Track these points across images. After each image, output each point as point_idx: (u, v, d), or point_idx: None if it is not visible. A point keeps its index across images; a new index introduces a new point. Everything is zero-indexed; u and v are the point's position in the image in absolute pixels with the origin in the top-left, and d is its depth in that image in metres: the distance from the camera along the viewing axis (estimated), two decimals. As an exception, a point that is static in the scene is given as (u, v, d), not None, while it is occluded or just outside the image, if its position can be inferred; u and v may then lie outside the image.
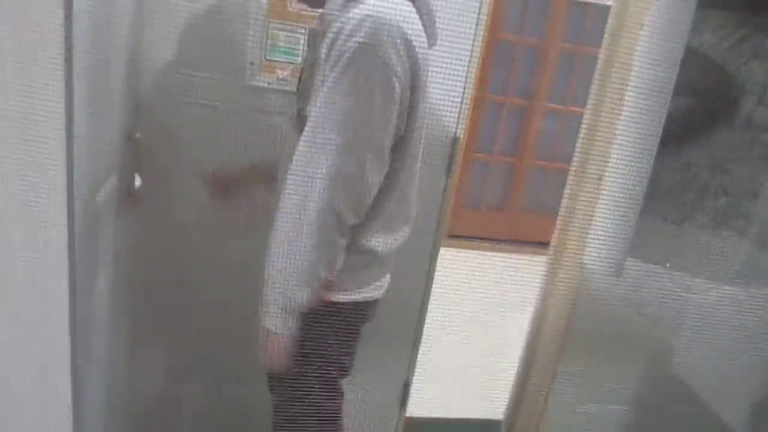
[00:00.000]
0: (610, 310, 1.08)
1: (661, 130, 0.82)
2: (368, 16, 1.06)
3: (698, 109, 0.89)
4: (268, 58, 1.85)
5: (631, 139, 0.86)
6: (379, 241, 1.25)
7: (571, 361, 1.25)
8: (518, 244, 3.83)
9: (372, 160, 1.10)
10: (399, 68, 1.08)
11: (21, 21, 0.72)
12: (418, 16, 1.17)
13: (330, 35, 1.10)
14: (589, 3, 3.88)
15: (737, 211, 0.89)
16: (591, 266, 0.89)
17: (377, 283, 1.28)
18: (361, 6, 1.09)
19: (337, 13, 1.14)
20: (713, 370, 1.07)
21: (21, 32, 0.72)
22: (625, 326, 1.07)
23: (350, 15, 1.08)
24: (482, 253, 3.91)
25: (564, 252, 1.07)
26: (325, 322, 1.23)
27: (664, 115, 0.82)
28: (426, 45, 1.22)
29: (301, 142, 1.10)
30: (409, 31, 1.11)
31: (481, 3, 2.03)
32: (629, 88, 0.85)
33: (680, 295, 0.96)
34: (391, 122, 1.10)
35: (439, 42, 1.57)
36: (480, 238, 4.04)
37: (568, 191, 1.04)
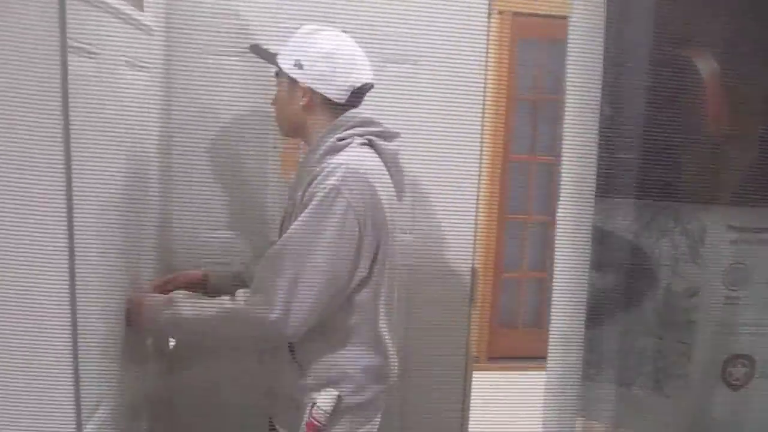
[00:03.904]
0: None
1: (584, 302, 0.94)
2: (341, 164, 1.26)
3: (622, 283, 1.00)
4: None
5: (563, 309, 0.98)
6: (370, 379, 1.36)
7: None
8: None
9: (322, 288, 1.23)
10: (363, 213, 1.25)
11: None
12: (386, 171, 1.36)
13: (306, 183, 1.29)
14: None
15: (675, 371, 0.98)
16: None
17: (371, 425, 1.38)
18: (336, 156, 1.30)
19: (314, 165, 1.32)
20: None
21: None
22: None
23: (325, 164, 1.28)
24: (525, 373, 3.88)
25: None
26: None
27: (585, 289, 0.94)
28: (394, 196, 1.39)
29: (264, 261, 1.26)
30: (377, 183, 1.29)
31: (482, 124, 2.19)
32: (555, 265, 0.98)
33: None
34: (348, 259, 1.26)
35: (446, 168, 1.71)
36: (521, 357, 4.02)
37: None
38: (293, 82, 1.33)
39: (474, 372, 2.27)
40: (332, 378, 1.31)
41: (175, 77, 1.92)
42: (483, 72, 2.14)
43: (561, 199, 0.97)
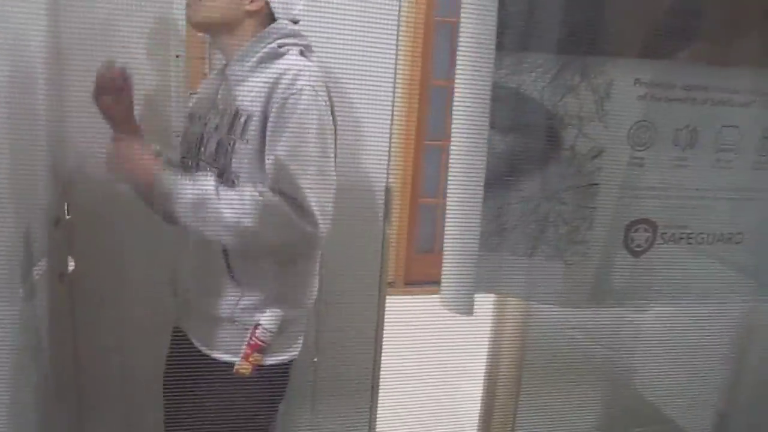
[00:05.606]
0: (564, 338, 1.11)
1: (484, 168, 0.87)
2: (302, 68, 1.17)
3: (525, 145, 0.94)
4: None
5: (460, 175, 0.90)
6: (307, 294, 1.31)
7: (532, 394, 1.27)
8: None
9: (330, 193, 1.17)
10: (332, 114, 1.19)
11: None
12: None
13: (258, 87, 1.18)
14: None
15: (576, 237, 0.93)
16: (445, 304, 0.92)
17: (301, 340, 1.34)
18: (281, 62, 1.20)
19: (247, 74, 1.23)
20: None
21: None
22: (580, 353, 1.10)
23: (284, 66, 1.18)
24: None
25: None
26: (258, 386, 1.27)
27: (484, 154, 0.87)
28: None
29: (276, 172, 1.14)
30: (326, 83, 1.22)
31: (396, 47, 2.10)
32: (453, 129, 0.90)
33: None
34: (334, 160, 1.19)
35: (359, 94, 1.60)
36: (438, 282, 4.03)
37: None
38: None
39: (390, 297, 2.24)
40: (277, 297, 1.25)
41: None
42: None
43: (459, 55, 0.89)
